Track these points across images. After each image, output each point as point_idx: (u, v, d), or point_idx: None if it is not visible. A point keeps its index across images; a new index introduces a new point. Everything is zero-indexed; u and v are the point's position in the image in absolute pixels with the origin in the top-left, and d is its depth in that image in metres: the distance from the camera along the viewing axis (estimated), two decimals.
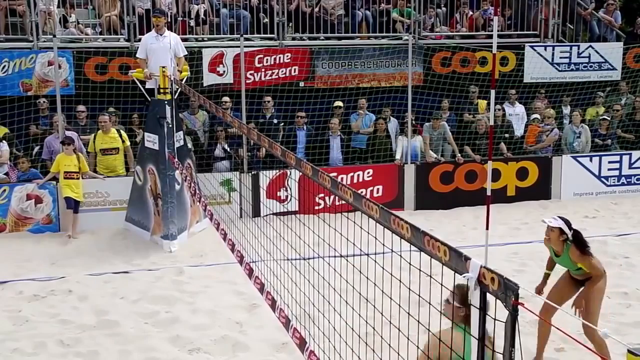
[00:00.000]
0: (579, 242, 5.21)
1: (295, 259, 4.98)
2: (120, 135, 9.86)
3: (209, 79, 11.03)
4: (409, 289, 3.34)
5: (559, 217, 5.34)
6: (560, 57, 12.25)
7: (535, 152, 11.44)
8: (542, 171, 11.22)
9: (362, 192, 3.75)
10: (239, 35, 10.79)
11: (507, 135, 11.35)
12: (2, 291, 7.31)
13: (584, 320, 5.06)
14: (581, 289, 5.39)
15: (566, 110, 12.17)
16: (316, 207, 9.60)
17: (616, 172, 11.51)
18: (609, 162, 11.48)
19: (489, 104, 11.35)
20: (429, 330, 3.07)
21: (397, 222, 2.93)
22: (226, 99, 10.64)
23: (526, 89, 12.28)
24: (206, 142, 10.60)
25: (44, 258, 8.48)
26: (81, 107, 10.31)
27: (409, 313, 4.20)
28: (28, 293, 7.23)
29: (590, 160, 11.41)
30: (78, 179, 9.33)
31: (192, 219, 9.39)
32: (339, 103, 11.18)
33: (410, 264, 3.11)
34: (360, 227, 3.60)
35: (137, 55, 9.33)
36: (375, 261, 4.10)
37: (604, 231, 9.48)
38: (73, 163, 9.28)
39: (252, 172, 10.21)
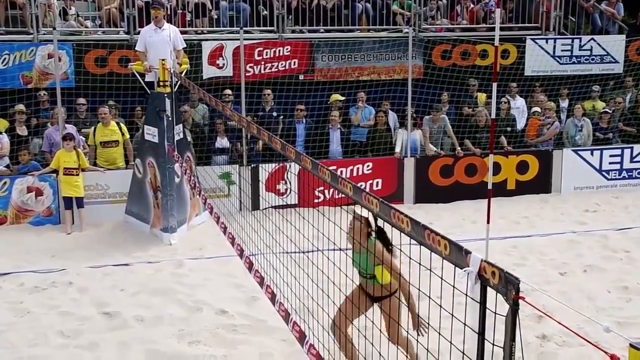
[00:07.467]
0: (384, 240, 4.62)
1: (295, 253, 4.98)
2: (120, 128, 9.86)
3: (208, 71, 11.00)
4: (409, 282, 3.33)
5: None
6: (562, 50, 12.20)
7: (536, 146, 11.42)
8: (542, 165, 11.20)
9: (361, 185, 3.74)
10: (238, 28, 10.76)
11: (509, 129, 11.32)
12: (3, 283, 7.31)
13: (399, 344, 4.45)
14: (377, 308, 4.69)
15: (564, 103, 12.14)
16: (315, 201, 9.60)
17: (617, 166, 11.49)
18: (610, 156, 11.46)
19: (489, 97, 11.33)
20: (428, 323, 3.07)
21: (397, 216, 2.92)
22: (228, 91, 10.63)
23: (527, 82, 12.25)
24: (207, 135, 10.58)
25: (45, 250, 8.49)
26: (82, 100, 10.30)
27: (408, 306, 4.21)
28: (29, 285, 7.24)
29: (591, 154, 11.39)
30: (77, 175, 9.32)
31: (192, 211, 9.39)
32: (336, 96, 11.14)
33: (410, 257, 3.11)
34: (360, 221, 3.60)
35: (136, 48, 9.32)
36: (374, 255, 4.10)
37: (604, 225, 9.47)
38: (72, 159, 9.27)
39: (252, 165, 10.19)
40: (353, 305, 4.57)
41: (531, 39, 12.13)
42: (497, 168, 10.79)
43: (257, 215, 6.60)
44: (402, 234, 2.92)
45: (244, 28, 10.90)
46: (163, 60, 8.54)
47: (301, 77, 11.37)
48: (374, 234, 4.61)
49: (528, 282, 2.55)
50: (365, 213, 4.51)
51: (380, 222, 4.43)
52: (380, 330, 4.24)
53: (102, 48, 10.53)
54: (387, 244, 4.59)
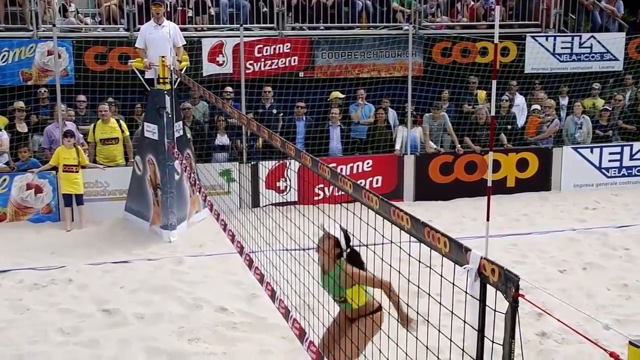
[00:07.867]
0: (357, 262, 4.24)
1: (295, 250, 4.98)
2: (120, 125, 9.86)
3: (208, 69, 11.00)
4: (408, 280, 3.33)
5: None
6: (562, 48, 12.20)
7: (535, 143, 11.41)
8: (542, 162, 11.20)
9: (361, 182, 3.74)
10: (238, 25, 10.74)
11: (509, 126, 11.32)
12: (2, 280, 7.32)
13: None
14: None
15: (563, 101, 12.13)
16: (315, 198, 9.59)
17: (617, 164, 11.49)
18: (610, 154, 11.46)
19: (488, 94, 11.32)
20: (427, 321, 3.07)
21: (396, 213, 2.92)
22: (228, 89, 10.62)
23: (527, 79, 12.24)
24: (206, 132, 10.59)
25: (44, 247, 8.49)
26: (82, 97, 10.29)
27: (407, 304, 4.20)
28: (28, 282, 7.25)
29: (591, 152, 11.39)
30: (77, 172, 9.32)
31: (192, 209, 9.39)
32: (336, 94, 11.12)
33: (409, 255, 3.11)
34: (360, 218, 3.59)
35: (136, 45, 9.31)
36: (374, 252, 4.09)
37: (604, 223, 9.47)
38: (72, 156, 9.27)
39: (251, 163, 10.19)
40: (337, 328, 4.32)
41: (531, 36, 12.12)
42: (496, 165, 10.79)
43: (257, 213, 6.61)
44: (401, 231, 2.92)
45: (244, 25, 10.88)
46: (163, 57, 8.54)
47: (301, 74, 11.36)
48: (345, 255, 4.23)
49: (528, 279, 2.55)
50: (337, 232, 4.19)
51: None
52: (380, 327, 4.24)
53: (102, 45, 10.52)
54: (361, 266, 4.23)
